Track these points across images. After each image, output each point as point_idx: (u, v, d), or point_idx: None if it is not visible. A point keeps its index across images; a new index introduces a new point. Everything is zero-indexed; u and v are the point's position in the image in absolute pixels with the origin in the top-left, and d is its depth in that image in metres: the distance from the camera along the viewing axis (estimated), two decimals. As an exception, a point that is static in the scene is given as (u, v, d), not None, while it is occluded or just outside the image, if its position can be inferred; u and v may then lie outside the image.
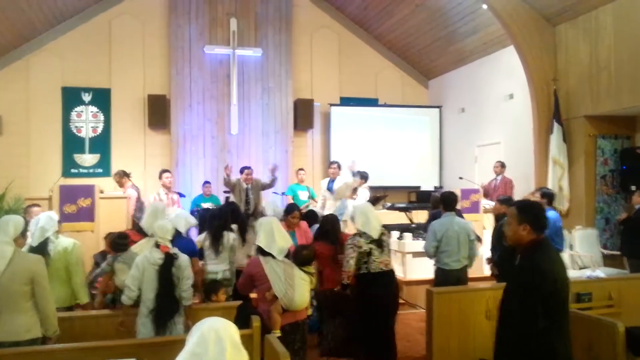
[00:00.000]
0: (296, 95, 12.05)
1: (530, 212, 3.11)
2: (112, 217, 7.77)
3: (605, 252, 8.40)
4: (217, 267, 5.62)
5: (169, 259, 4.28)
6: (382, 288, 4.89)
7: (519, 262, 3.15)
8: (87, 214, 7.47)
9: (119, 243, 5.02)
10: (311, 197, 9.79)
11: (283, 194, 10.14)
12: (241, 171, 8.80)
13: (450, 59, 11.92)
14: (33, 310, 3.77)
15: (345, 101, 12.54)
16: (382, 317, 4.89)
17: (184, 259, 4.40)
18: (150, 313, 4.23)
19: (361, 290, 4.91)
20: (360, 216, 5.02)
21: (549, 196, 6.56)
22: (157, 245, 4.35)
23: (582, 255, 8.07)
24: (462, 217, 6.41)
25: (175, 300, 4.28)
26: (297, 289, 4.23)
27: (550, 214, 6.35)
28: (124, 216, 8.04)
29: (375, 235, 4.93)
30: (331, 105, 12.28)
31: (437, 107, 12.78)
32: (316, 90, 12.39)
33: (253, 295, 4.79)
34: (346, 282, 4.93)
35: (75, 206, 7.37)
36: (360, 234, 4.97)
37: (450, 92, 12.44)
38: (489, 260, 6.14)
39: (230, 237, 5.75)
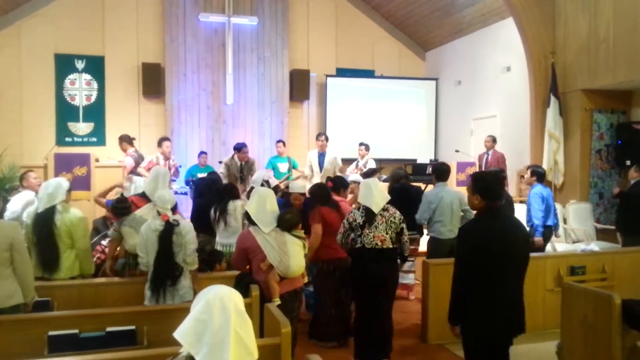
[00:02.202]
0: (292, 66, 11.95)
1: (480, 182, 3.41)
2: (107, 185, 7.71)
3: (599, 226, 8.48)
4: (228, 239, 5.64)
5: (169, 226, 4.34)
6: (376, 264, 4.73)
7: None
8: (83, 183, 7.46)
9: (118, 207, 5.03)
10: (293, 167, 9.76)
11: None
12: (238, 148, 8.52)
13: (448, 31, 11.81)
14: (13, 277, 3.78)
15: (342, 72, 12.45)
16: (374, 294, 4.77)
17: (184, 224, 4.47)
18: (152, 278, 4.32)
19: (355, 265, 4.85)
20: (363, 189, 4.92)
21: (537, 174, 6.60)
22: (160, 213, 4.43)
23: (575, 229, 8.14)
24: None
25: (176, 267, 4.34)
26: (292, 255, 4.23)
27: (540, 189, 6.41)
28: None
29: (375, 209, 4.79)
30: (327, 76, 12.19)
31: (434, 79, 12.71)
32: (312, 61, 12.28)
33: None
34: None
35: (71, 174, 7.34)
36: (358, 207, 4.94)
37: (447, 64, 12.36)
38: None
39: (237, 204, 5.78)
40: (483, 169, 9.41)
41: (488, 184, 3.40)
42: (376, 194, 4.84)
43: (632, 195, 7.17)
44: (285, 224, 4.32)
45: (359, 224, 4.77)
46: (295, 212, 4.54)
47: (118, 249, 5.14)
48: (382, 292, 4.82)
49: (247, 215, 4.38)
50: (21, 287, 3.80)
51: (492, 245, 3.25)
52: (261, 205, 4.30)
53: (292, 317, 4.23)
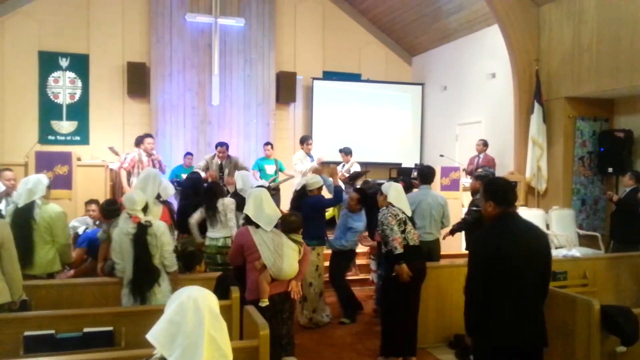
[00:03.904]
0: (279, 68, 11.92)
1: (492, 187, 3.27)
2: (89, 185, 7.67)
3: (581, 232, 8.55)
4: (216, 233, 5.72)
5: (142, 229, 4.22)
6: (420, 260, 4.92)
7: None
8: (64, 182, 7.35)
9: (108, 210, 5.01)
10: (280, 170, 9.75)
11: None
12: (215, 147, 8.73)
13: (434, 36, 11.87)
14: (1, 275, 3.73)
15: (328, 75, 12.45)
16: (415, 290, 4.91)
17: (158, 225, 4.33)
18: (129, 284, 4.20)
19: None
20: (394, 192, 5.03)
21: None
22: (130, 216, 4.30)
23: (558, 234, 8.20)
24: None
25: (154, 270, 4.24)
26: (286, 258, 4.21)
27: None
28: (102, 184, 7.92)
29: (408, 212, 4.99)
30: (314, 79, 12.19)
31: (420, 84, 12.77)
32: (299, 64, 12.26)
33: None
34: (399, 250, 4.75)
35: (52, 173, 7.22)
36: (387, 207, 4.99)
37: (433, 70, 12.42)
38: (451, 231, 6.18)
39: (226, 201, 5.79)
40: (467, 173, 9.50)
41: (501, 188, 3.27)
42: (404, 198, 5.06)
43: (626, 204, 7.20)
44: (287, 225, 4.34)
45: (402, 219, 4.87)
46: (299, 216, 4.55)
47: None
48: (418, 289, 4.95)
49: (247, 218, 4.36)
50: (9, 286, 3.75)
51: (510, 254, 3.07)
52: (258, 205, 4.29)
53: (282, 319, 4.23)
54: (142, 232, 4.20)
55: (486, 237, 3.22)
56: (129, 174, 7.96)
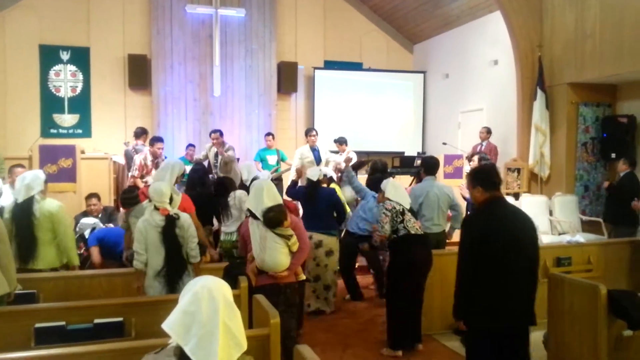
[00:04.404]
0: (280, 58, 11.89)
1: (479, 175, 3.49)
2: (93, 177, 7.69)
3: (584, 218, 8.57)
4: (230, 227, 5.74)
5: (171, 221, 4.26)
6: (421, 249, 4.94)
7: None
8: (69, 175, 7.37)
9: (126, 198, 5.04)
10: (282, 160, 9.75)
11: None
12: (209, 134, 8.77)
13: (436, 24, 11.82)
14: None
15: (330, 65, 12.41)
16: (417, 278, 4.95)
17: (185, 217, 4.38)
18: (158, 275, 4.23)
19: (403, 251, 4.89)
20: (391, 188, 5.11)
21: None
22: (157, 208, 4.30)
23: (561, 220, 8.22)
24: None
25: (184, 260, 4.31)
26: (268, 251, 4.19)
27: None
28: (106, 177, 7.94)
29: (407, 205, 5.07)
30: (315, 68, 12.15)
31: (422, 72, 12.73)
32: (300, 53, 12.23)
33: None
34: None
35: (56, 166, 7.25)
36: (389, 199, 5.06)
37: (435, 58, 12.38)
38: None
39: (237, 194, 5.79)
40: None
41: (486, 174, 3.45)
42: (402, 192, 5.13)
43: (621, 187, 7.30)
44: (266, 221, 4.22)
45: (399, 211, 4.92)
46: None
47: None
48: (423, 278, 4.99)
49: (249, 210, 4.38)
50: (5, 277, 3.76)
51: (497, 236, 3.22)
52: (257, 197, 4.28)
53: (278, 311, 4.22)
54: (171, 225, 4.25)
55: (474, 220, 3.43)
56: (140, 179, 7.92)
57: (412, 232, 4.89)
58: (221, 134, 8.68)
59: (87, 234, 6.09)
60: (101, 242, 5.72)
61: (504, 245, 3.22)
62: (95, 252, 5.66)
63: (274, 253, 4.22)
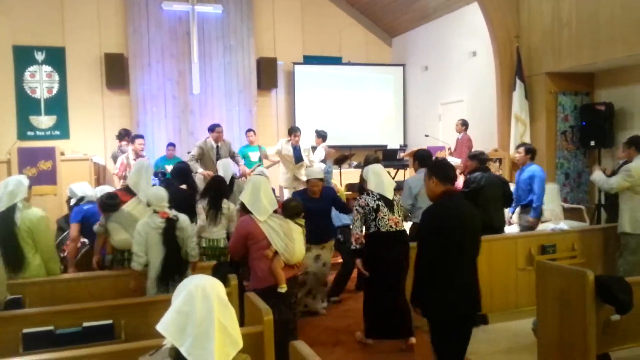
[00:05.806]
0: (259, 54, 11.83)
1: (437, 169, 3.63)
2: (74, 179, 7.48)
3: (566, 205, 8.67)
4: (216, 233, 5.41)
5: (171, 223, 4.33)
6: (392, 248, 4.83)
7: None
8: (49, 177, 7.28)
9: (109, 204, 4.88)
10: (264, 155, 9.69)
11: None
12: (211, 129, 8.38)
13: (414, 16, 11.85)
14: None
15: (309, 60, 12.39)
16: (390, 278, 4.82)
17: (183, 219, 4.45)
18: (160, 275, 4.26)
19: (371, 250, 4.84)
20: (373, 177, 4.98)
21: (532, 152, 6.79)
22: (156, 212, 4.35)
23: (544, 209, 8.29)
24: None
25: (182, 261, 4.37)
26: (297, 243, 4.26)
27: (535, 169, 6.53)
28: (87, 178, 7.81)
29: (389, 195, 4.91)
30: (295, 64, 12.11)
31: (401, 65, 12.77)
32: (279, 49, 12.18)
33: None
34: (355, 246, 4.87)
35: (36, 169, 7.15)
36: (368, 193, 4.95)
37: (414, 50, 12.42)
38: None
39: (231, 206, 5.57)
40: (452, 152, 9.58)
41: (443, 168, 3.62)
42: (385, 180, 4.99)
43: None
44: (290, 210, 4.40)
45: (373, 208, 4.84)
46: (299, 201, 4.60)
47: (104, 244, 5.06)
48: (399, 272, 4.89)
49: (242, 205, 4.34)
50: None
51: (450, 227, 3.41)
52: (255, 194, 4.24)
53: (290, 304, 4.26)
54: (171, 227, 4.32)
55: (433, 212, 3.53)
56: (124, 179, 7.79)
57: (383, 230, 4.81)
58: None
59: (72, 202, 5.71)
60: (86, 221, 5.44)
61: (461, 237, 3.43)
62: (75, 228, 5.36)
63: (301, 244, 4.31)
